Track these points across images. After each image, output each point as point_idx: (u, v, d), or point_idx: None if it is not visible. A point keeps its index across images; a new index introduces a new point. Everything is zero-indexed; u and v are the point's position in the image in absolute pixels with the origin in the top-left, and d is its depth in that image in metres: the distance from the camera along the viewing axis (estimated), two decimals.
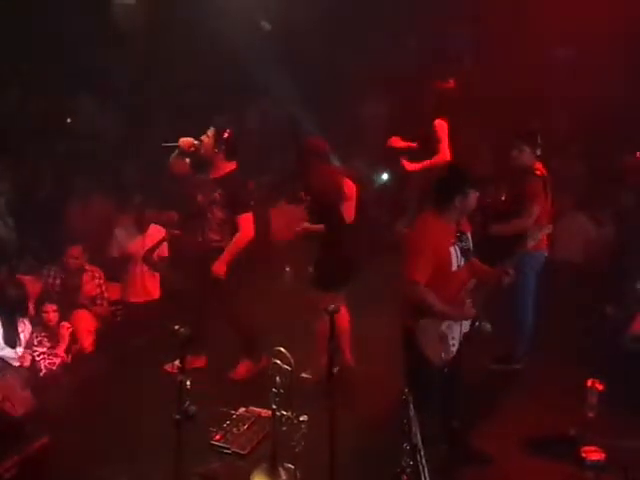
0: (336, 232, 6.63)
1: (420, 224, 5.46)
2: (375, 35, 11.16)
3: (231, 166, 6.76)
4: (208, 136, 6.71)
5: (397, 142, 8.60)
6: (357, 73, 11.01)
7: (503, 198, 7.25)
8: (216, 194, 6.70)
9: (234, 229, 6.71)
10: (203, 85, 11.50)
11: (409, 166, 8.48)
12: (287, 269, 9.04)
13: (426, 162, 8.31)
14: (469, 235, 5.41)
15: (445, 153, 8.26)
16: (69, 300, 7.81)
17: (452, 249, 5.24)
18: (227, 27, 10.01)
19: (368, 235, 7.88)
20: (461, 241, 5.30)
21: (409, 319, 5.31)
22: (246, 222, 6.70)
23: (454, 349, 5.34)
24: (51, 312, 7.18)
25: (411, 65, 10.82)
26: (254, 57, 9.86)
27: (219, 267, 6.68)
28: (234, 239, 6.70)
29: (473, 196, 5.27)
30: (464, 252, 5.30)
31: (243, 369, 6.95)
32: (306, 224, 6.74)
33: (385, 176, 10.26)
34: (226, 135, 6.69)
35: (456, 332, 5.32)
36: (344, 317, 6.79)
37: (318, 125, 9.33)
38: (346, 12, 10.54)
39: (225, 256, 6.68)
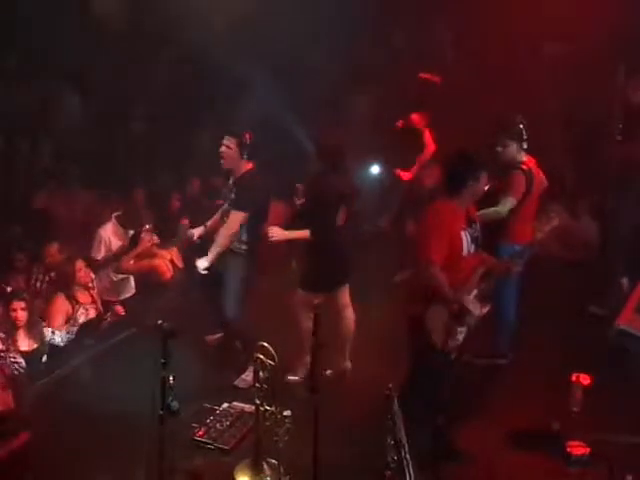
0: (329, 234, 6.52)
1: (434, 208, 5.45)
2: (358, 30, 11.13)
3: (248, 165, 6.66)
4: (229, 147, 6.59)
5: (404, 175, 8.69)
6: (340, 69, 10.98)
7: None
8: (232, 195, 6.66)
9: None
10: (186, 81, 11.46)
11: (405, 176, 8.49)
12: None
13: (416, 166, 8.33)
14: (478, 225, 5.47)
15: (430, 145, 8.26)
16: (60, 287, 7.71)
17: (463, 234, 5.28)
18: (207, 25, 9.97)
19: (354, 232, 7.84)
20: (471, 227, 5.37)
21: (417, 305, 5.30)
22: (232, 220, 6.57)
23: (461, 337, 5.34)
24: (19, 310, 6.89)
25: (395, 60, 10.79)
26: (235, 54, 9.81)
27: (202, 262, 6.57)
28: (218, 236, 6.62)
29: (484, 180, 5.37)
30: (474, 239, 5.36)
31: (250, 377, 6.46)
32: (287, 232, 6.62)
33: (371, 171, 10.23)
34: (249, 139, 6.60)
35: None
36: (350, 320, 6.79)
37: (303, 122, 9.30)
38: (329, 8, 10.49)
39: (210, 258, 6.58)
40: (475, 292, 5.36)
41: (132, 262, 8.79)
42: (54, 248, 8.05)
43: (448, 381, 5.48)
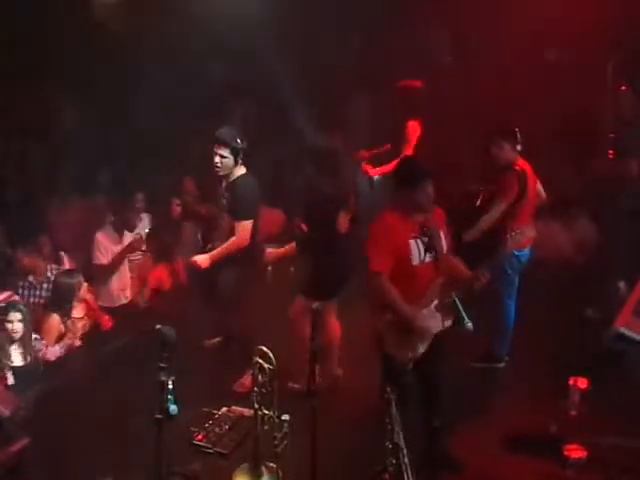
0: (329, 241, 6.47)
1: (379, 217, 5.32)
2: (354, 33, 11.16)
3: (241, 170, 6.60)
4: (224, 157, 6.47)
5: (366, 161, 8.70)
6: (337, 73, 10.98)
7: (478, 203, 7.21)
8: (224, 200, 6.62)
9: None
10: (187, 84, 11.44)
11: (372, 172, 8.52)
12: (269, 268, 8.99)
13: (386, 167, 8.36)
14: (442, 233, 5.31)
15: (407, 154, 8.32)
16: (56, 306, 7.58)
17: (412, 242, 5.14)
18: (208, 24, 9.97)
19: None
20: (426, 236, 5.19)
21: (376, 317, 5.25)
22: (242, 229, 6.48)
23: (422, 349, 5.21)
24: (15, 322, 6.68)
25: (390, 65, 10.79)
26: (237, 55, 9.83)
27: (203, 260, 6.55)
28: (227, 242, 6.54)
29: (429, 187, 5.15)
30: (429, 248, 5.19)
31: (249, 381, 6.29)
32: (275, 250, 6.95)
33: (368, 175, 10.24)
34: (241, 142, 6.51)
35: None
36: (336, 328, 6.74)
37: (302, 126, 9.30)
38: (325, 10, 10.49)
39: (213, 255, 6.56)
40: (435, 303, 5.23)
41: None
42: (21, 253, 7.99)
43: (405, 391, 5.25)
